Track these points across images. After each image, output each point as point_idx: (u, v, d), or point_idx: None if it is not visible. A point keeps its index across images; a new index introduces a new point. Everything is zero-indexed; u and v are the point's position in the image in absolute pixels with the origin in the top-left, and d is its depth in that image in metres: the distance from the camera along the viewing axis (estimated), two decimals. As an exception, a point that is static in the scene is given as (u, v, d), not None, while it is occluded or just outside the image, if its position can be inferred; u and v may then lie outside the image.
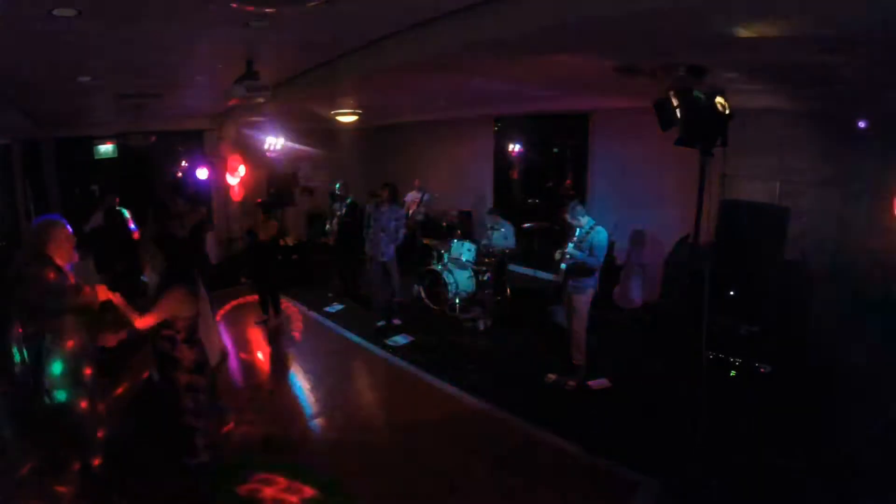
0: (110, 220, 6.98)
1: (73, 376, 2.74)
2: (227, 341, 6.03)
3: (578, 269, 4.67)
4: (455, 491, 3.45)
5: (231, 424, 4.13)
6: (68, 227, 2.92)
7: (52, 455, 3.32)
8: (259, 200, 7.12)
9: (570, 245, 4.67)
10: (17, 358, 2.68)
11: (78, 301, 2.79)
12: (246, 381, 5.17)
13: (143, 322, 3.00)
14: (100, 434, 3.08)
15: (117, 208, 7.17)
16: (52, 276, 2.69)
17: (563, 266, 4.76)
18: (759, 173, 5.61)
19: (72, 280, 2.84)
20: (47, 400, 2.74)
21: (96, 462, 3.06)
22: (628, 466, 3.63)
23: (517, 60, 4.49)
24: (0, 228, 7.13)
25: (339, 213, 7.39)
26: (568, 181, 8.15)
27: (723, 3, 2.62)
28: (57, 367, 2.66)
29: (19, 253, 2.89)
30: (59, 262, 2.79)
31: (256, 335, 6.35)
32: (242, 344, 6.07)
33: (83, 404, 2.89)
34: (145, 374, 4.63)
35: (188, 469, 3.51)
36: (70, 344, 2.73)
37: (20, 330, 2.71)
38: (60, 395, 2.78)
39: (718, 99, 3.24)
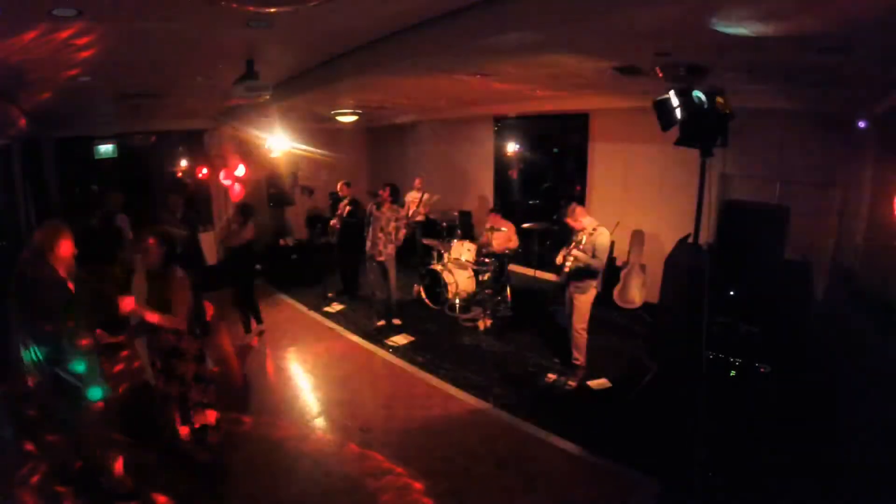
0: (105, 225, 6.44)
1: (95, 372, 2.74)
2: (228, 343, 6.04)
3: (581, 270, 4.67)
4: (455, 491, 3.45)
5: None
6: (71, 237, 2.89)
7: (64, 455, 3.32)
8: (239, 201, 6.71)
9: (574, 248, 4.67)
10: (29, 358, 2.65)
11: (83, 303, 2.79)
12: (246, 381, 5.17)
13: (176, 322, 3.09)
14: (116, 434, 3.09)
15: (117, 212, 6.77)
16: (52, 275, 2.68)
17: (566, 264, 4.75)
18: (759, 173, 5.62)
19: (70, 286, 2.82)
20: (67, 399, 2.71)
21: (119, 462, 3.05)
22: (628, 466, 3.63)
23: (517, 60, 4.49)
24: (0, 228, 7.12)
25: (339, 212, 7.39)
26: (570, 188, 8.10)
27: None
28: (80, 366, 2.64)
29: (25, 253, 2.83)
30: (58, 268, 2.77)
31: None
32: (242, 346, 6.06)
33: (101, 403, 2.88)
34: (142, 376, 4.65)
35: (197, 468, 3.52)
36: (84, 342, 2.72)
37: (32, 330, 2.67)
38: (96, 393, 2.76)
39: (718, 99, 3.24)
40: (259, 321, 6.31)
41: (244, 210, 5.95)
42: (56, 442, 3.57)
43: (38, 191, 7.76)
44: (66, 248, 2.80)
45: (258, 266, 6.35)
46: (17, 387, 4.05)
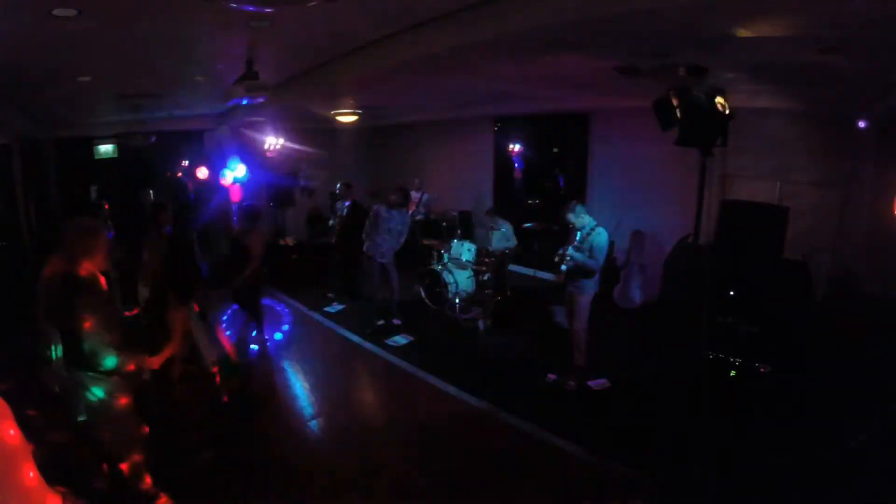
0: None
1: (123, 366, 2.71)
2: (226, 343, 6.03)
3: (579, 270, 4.66)
4: (455, 491, 3.45)
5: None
6: (105, 235, 2.86)
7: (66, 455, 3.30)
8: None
9: (570, 247, 4.66)
10: (55, 356, 2.61)
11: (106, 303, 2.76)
12: (246, 381, 5.16)
13: (171, 350, 3.05)
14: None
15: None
16: (83, 274, 2.64)
17: (563, 267, 4.75)
18: (759, 173, 5.62)
19: (103, 285, 2.78)
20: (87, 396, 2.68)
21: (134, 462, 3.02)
22: (628, 466, 3.63)
23: (517, 60, 4.49)
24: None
25: (339, 213, 7.40)
26: (570, 188, 8.08)
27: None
28: (111, 362, 2.62)
29: (56, 251, 2.78)
30: (89, 266, 2.68)
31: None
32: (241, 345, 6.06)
33: (123, 401, 2.87)
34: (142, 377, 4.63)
35: (190, 467, 3.52)
36: (112, 339, 2.70)
37: (52, 328, 2.64)
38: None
39: (718, 99, 3.24)
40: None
41: (249, 214, 5.46)
42: (58, 442, 3.57)
43: (38, 191, 7.77)
44: (100, 246, 2.77)
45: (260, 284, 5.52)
46: (27, 387, 4.04)
